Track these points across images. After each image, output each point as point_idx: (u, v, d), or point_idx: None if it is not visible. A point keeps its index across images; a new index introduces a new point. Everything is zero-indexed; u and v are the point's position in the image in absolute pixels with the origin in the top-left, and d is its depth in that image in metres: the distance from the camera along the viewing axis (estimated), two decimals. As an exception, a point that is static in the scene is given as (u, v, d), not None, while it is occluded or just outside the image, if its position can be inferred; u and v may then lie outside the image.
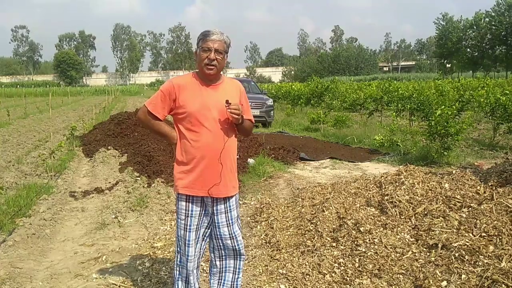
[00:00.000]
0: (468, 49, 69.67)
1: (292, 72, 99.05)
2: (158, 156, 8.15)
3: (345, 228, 4.22)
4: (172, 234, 4.90)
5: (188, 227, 2.86)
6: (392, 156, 9.54)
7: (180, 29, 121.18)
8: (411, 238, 3.91)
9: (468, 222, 3.86)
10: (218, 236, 2.97)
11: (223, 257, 3.07)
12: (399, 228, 4.04)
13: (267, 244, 4.53)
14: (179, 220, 2.89)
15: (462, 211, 4.05)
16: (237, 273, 3.12)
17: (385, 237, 3.93)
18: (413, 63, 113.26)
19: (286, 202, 5.77)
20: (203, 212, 2.90)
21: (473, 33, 68.30)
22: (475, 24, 67.22)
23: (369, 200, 4.70)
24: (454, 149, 9.08)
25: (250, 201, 6.17)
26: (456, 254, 3.38)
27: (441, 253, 3.53)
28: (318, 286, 3.60)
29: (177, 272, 2.98)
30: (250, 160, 8.16)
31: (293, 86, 26.24)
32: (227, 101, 2.74)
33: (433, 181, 4.72)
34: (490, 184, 4.57)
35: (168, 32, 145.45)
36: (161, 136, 3.01)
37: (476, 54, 67.69)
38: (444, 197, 4.34)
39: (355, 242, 3.96)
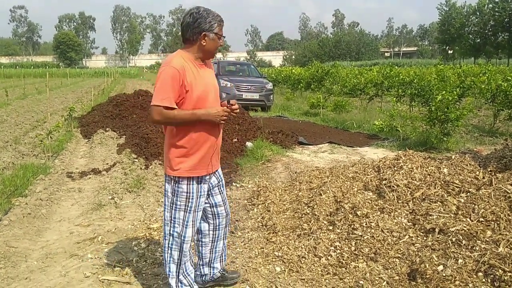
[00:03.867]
0: (471, 36, 69.12)
1: (293, 57, 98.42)
2: (156, 138, 8.10)
3: (342, 212, 4.20)
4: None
5: (189, 209, 2.85)
6: (391, 141, 9.51)
7: (181, 11, 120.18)
8: (408, 222, 3.89)
9: (466, 207, 3.84)
10: (213, 205, 3.10)
11: (217, 227, 3.18)
12: (396, 212, 4.02)
13: (264, 226, 4.51)
14: (178, 203, 2.86)
15: (461, 196, 4.02)
16: (225, 238, 3.31)
17: (382, 221, 3.91)
18: (415, 49, 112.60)
19: (284, 186, 5.75)
20: (205, 191, 2.94)
21: (476, 19, 67.69)
22: (478, 10, 66.54)
23: (367, 184, 4.67)
24: (453, 135, 9.04)
25: (248, 184, 6.15)
26: (453, 239, 3.36)
27: (438, 237, 3.51)
28: (314, 269, 3.58)
29: (168, 255, 2.94)
30: (249, 144, 8.12)
31: (293, 71, 26.07)
32: (228, 101, 2.76)
33: (432, 166, 4.68)
34: (489, 169, 4.53)
35: (168, 14, 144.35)
36: (189, 121, 2.70)
37: (479, 40, 67.16)
38: (442, 182, 4.31)
39: (352, 226, 3.94)
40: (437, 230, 3.57)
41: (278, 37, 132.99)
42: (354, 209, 4.15)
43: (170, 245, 2.92)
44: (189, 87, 2.63)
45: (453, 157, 5.03)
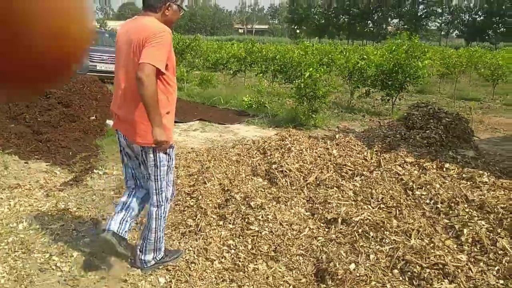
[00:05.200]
0: (316, 16, 73.97)
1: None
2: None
3: (233, 203, 3.67)
4: (11, 218, 3.84)
5: (172, 170, 2.97)
6: (261, 118, 9.28)
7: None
8: (307, 212, 3.54)
9: (363, 192, 3.62)
10: None
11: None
12: (293, 201, 3.63)
13: (137, 225, 3.78)
14: (171, 166, 2.93)
15: (355, 180, 3.80)
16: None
17: (279, 212, 3.48)
18: (266, 27, 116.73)
19: (157, 172, 5.01)
20: None
21: (321, 1, 72.57)
22: (324, -8, 71.39)
23: (255, 169, 4.22)
24: (320, 111, 9.15)
25: (112, 171, 5.25)
26: (359, 230, 3.07)
27: (341, 229, 3.20)
28: (206, 276, 3.01)
29: (162, 222, 3.03)
30: (110, 122, 7.09)
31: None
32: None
33: (320, 147, 4.42)
34: (375, 149, 4.42)
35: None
36: (158, 110, 2.55)
37: (323, 21, 72.24)
38: (334, 164, 4.06)
39: (246, 220, 3.43)
40: (339, 220, 3.26)
41: (131, 6, 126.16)
42: (247, 199, 3.66)
43: (164, 211, 2.99)
44: (172, 53, 2.67)
45: (337, 136, 4.84)
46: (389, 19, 76.55)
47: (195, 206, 3.85)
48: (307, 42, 15.43)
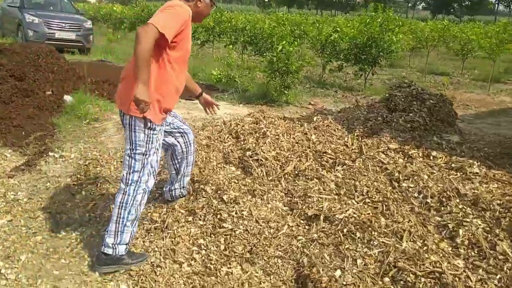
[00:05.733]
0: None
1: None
2: None
3: (204, 197, 3.31)
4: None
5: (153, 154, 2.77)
6: (231, 93, 8.85)
7: None
8: (285, 206, 3.22)
9: (346, 184, 3.33)
10: None
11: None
12: (269, 195, 3.30)
13: (96, 219, 3.39)
14: (143, 145, 2.68)
15: (337, 170, 3.50)
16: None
17: (255, 207, 3.14)
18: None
19: (119, 155, 4.58)
20: None
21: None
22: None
23: (227, 156, 3.85)
24: (292, 87, 8.79)
25: (70, 154, 4.77)
26: (344, 230, 2.78)
27: (323, 227, 2.90)
28: (174, 282, 2.68)
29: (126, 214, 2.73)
30: (67, 98, 6.52)
31: (115, 8, 23.41)
32: None
33: (299, 132, 4.09)
34: (356, 134, 4.13)
35: None
36: (145, 69, 2.42)
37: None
38: (314, 152, 3.74)
39: (218, 216, 3.08)
40: (321, 217, 2.96)
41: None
42: (219, 192, 3.30)
43: (132, 202, 2.73)
44: (185, 37, 2.63)
45: (315, 119, 4.52)
46: (358, -11, 76.11)
47: (160, 198, 3.48)
48: (281, 13, 14.88)
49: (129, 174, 2.70)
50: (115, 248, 2.72)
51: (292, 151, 3.77)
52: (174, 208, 3.27)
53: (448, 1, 73.85)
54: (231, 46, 10.63)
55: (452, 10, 75.95)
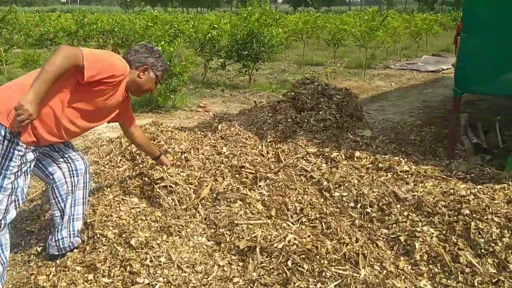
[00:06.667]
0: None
1: None
2: None
3: (104, 244, 2.60)
4: None
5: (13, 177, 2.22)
6: (109, 103, 7.93)
7: None
8: (209, 241, 2.65)
9: (274, 202, 2.88)
10: None
11: None
12: (188, 229, 2.70)
13: None
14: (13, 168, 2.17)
15: (260, 186, 3.04)
16: None
17: (173, 249, 2.52)
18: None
19: None
20: None
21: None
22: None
23: (125, 185, 3.15)
24: (178, 90, 8.16)
25: None
26: (288, 263, 2.31)
27: (262, 262, 2.40)
28: None
29: None
30: None
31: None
32: None
33: (206, 145, 3.54)
34: (269, 140, 3.71)
35: None
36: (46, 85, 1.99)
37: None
38: (229, 167, 3.22)
39: (128, 269, 2.40)
40: (257, 249, 2.45)
41: None
42: (123, 235, 2.62)
43: None
44: (100, 93, 2.29)
45: (219, 127, 4.00)
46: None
47: (44, 253, 2.69)
48: (155, 12, 13.98)
49: None
50: None
51: (204, 169, 3.21)
52: (67, 266, 2.51)
53: (307, -6, 78.44)
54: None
55: (310, 2, 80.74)
